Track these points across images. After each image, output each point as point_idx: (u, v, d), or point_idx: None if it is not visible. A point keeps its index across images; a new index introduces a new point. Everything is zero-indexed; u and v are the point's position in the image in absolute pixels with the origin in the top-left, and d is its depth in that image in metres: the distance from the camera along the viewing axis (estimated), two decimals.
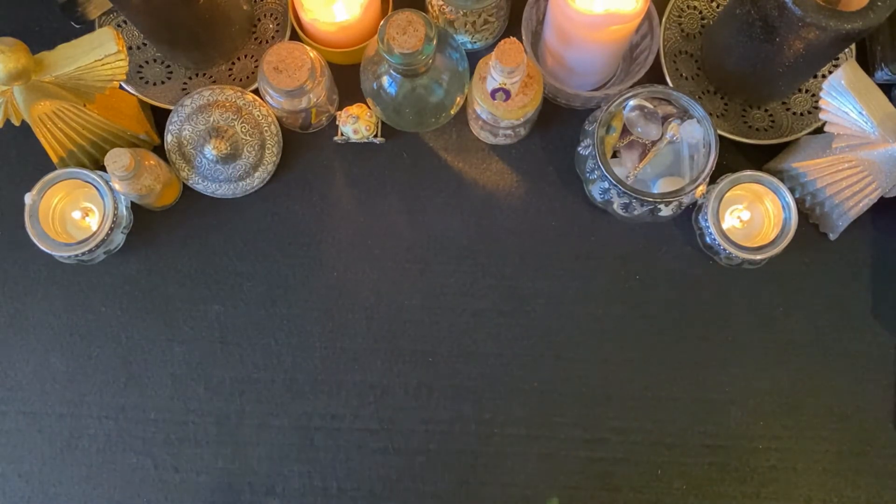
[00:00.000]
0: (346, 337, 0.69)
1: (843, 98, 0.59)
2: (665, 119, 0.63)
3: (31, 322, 0.70)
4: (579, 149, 0.67)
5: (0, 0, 0.75)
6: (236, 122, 0.68)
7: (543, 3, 0.70)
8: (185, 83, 0.72)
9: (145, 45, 0.73)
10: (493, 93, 0.63)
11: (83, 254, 0.66)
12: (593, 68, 0.68)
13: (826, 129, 0.63)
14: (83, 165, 0.68)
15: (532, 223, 0.71)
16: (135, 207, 0.70)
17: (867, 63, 0.71)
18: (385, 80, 0.62)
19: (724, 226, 0.67)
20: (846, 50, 0.71)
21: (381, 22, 0.57)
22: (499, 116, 0.65)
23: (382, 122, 0.70)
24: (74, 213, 0.68)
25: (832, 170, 0.64)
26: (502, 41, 0.58)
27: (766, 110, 0.72)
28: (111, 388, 0.68)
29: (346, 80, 0.71)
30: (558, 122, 0.72)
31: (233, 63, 0.73)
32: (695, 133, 0.62)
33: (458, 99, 0.66)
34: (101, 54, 0.58)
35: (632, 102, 0.63)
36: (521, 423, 0.68)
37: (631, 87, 0.66)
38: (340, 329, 0.69)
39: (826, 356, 0.69)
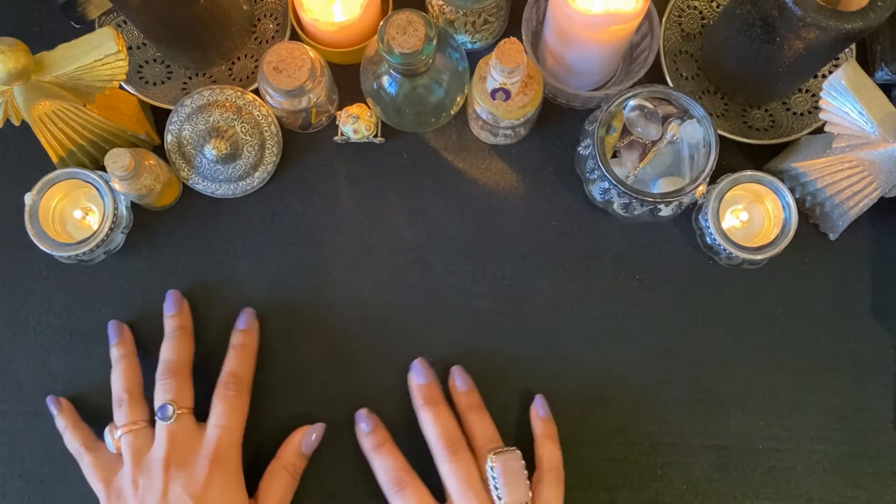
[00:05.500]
0: (345, 337, 0.69)
1: (843, 98, 0.59)
2: (665, 119, 0.63)
3: (31, 322, 0.70)
4: (579, 149, 0.67)
5: (0, 0, 0.75)
6: (236, 122, 0.69)
7: (543, 3, 0.70)
8: (185, 83, 0.72)
9: (145, 45, 0.73)
10: (493, 93, 0.63)
11: (83, 254, 0.66)
12: (593, 68, 0.68)
13: (826, 129, 0.63)
14: (83, 165, 0.68)
15: (532, 223, 0.71)
16: (135, 207, 0.70)
17: (867, 63, 0.71)
18: (385, 80, 0.62)
19: (724, 226, 0.67)
20: (846, 50, 0.71)
21: (381, 22, 0.57)
22: (499, 116, 0.65)
23: (382, 122, 0.70)
24: (75, 213, 0.68)
25: (832, 170, 0.64)
26: (502, 41, 0.58)
27: (766, 110, 0.72)
28: (111, 389, 0.68)
29: (346, 80, 0.71)
30: (558, 122, 0.72)
31: (233, 63, 0.73)
32: (695, 133, 0.62)
33: (458, 99, 0.66)
34: (101, 54, 0.58)
35: (632, 102, 0.63)
36: (522, 423, 0.68)
37: (631, 87, 0.66)
38: (340, 329, 0.69)
39: (826, 356, 0.69)
